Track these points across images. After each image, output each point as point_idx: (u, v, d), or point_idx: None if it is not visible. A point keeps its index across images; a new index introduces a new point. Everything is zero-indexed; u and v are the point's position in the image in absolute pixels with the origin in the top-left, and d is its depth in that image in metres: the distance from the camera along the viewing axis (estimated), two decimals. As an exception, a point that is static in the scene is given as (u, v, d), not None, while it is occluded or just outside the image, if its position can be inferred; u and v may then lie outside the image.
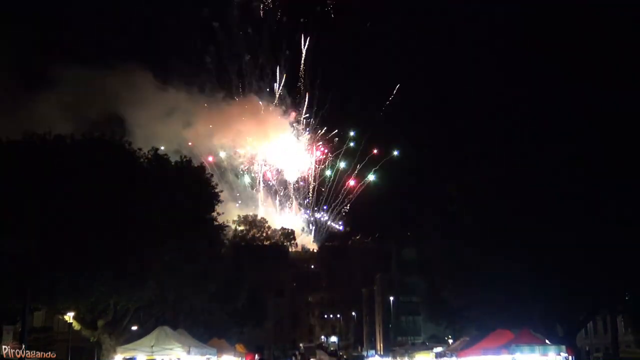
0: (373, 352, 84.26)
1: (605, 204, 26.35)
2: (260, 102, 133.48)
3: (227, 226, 38.65)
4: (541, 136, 31.11)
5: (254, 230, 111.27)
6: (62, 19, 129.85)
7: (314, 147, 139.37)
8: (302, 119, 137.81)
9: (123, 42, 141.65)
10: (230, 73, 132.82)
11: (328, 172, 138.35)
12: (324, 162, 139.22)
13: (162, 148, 30.47)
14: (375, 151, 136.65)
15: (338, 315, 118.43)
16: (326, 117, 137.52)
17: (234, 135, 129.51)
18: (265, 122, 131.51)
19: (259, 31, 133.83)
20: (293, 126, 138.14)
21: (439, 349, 43.55)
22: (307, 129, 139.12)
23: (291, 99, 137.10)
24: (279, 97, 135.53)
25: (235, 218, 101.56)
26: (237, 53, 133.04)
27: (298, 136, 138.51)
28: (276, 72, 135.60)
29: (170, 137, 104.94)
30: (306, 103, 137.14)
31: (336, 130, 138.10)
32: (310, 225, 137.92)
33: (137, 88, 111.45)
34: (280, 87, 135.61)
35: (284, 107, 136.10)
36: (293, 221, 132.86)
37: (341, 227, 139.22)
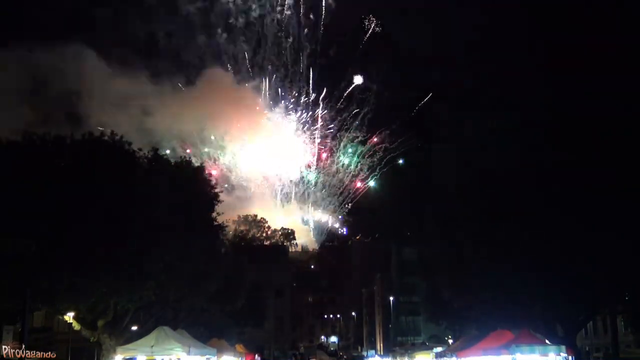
0: (373, 352, 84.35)
1: (605, 204, 26.34)
2: (225, 83, 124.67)
3: (227, 226, 38.60)
4: (541, 139, 31.15)
5: (254, 230, 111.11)
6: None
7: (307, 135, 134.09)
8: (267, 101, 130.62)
9: (69, 26, 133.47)
10: (184, 56, 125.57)
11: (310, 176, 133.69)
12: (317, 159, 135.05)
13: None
14: (375, 139, 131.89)
15: (338, 315, 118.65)
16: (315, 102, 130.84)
17: (203, 120, 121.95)
18: (234, 105, 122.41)
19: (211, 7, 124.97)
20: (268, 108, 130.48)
21: (439, 349, 43.67)
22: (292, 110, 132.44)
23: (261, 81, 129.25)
24: (245, 77, 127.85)
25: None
26: (191, 33, 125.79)
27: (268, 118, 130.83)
28: (243, 50, 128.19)
29: (130, 126, 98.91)
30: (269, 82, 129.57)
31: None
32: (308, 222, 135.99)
33: (88, 75, 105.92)
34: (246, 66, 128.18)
35: (253, 84, 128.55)
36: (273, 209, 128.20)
37: (344, 231, 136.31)
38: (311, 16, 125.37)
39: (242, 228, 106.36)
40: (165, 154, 31.17)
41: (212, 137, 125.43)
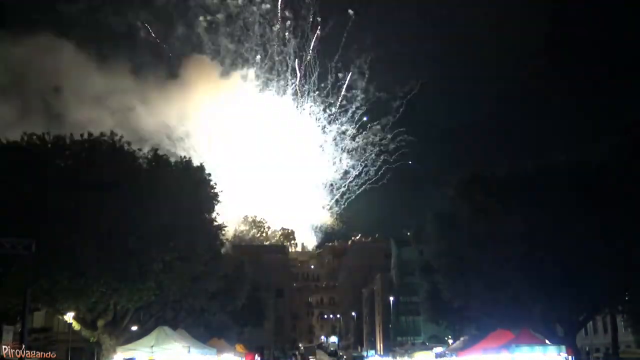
0: (373, 352, 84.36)
1: (605, 204, 26.34)
2: (209, 74, 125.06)
3: (227, 226, 38.60)
4: (542, 140, 31.19)
5: (254, 230, 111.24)
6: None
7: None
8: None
9: (45, 20, 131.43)
10: (165, 48, 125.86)
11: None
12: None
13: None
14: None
15: (338, 315, 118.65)
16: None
17: (189, 113, 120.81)
18: (219, 96, 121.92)
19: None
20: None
21: (439, 349, 43.70)
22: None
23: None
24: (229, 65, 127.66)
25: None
26: (169, 22, 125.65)
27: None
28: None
29: (112, 121, 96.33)
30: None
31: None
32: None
33: (66, 70, 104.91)
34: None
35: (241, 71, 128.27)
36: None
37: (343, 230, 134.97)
38: (287, 12, 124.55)
39: (242, 228, 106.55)
40: (165, 155, 31.11)
41: (198, 131, 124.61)
